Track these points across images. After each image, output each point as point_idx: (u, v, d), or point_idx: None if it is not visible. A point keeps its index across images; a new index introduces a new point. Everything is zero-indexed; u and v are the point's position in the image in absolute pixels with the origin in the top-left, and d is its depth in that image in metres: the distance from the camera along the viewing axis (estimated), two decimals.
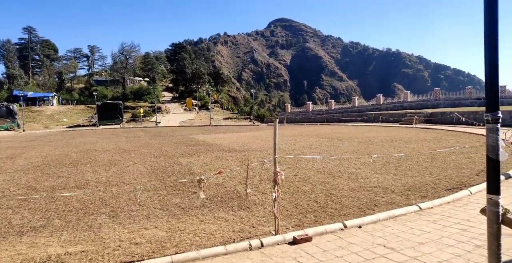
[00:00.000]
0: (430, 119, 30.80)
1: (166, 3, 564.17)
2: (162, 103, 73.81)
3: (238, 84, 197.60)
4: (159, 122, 52.80)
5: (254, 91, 77.41)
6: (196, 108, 70.24)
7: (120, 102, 58.91)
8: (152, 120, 56.48)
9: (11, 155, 16.30)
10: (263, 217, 5.74)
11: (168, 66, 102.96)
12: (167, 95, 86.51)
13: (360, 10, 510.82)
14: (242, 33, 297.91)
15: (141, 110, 58.73)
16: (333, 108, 51.59)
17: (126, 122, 55.54)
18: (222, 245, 4.48)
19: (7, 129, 46.00)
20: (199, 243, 4.66)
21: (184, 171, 10.39)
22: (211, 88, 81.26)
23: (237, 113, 70.94)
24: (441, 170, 9.33)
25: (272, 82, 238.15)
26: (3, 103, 52.99)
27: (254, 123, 53.37)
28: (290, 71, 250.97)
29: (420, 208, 5.97)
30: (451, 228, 5.06)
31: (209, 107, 63.78)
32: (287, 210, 6.05)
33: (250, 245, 4.39)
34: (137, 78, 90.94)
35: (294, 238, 4.61)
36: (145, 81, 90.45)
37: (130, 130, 39.81)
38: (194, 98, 73.84)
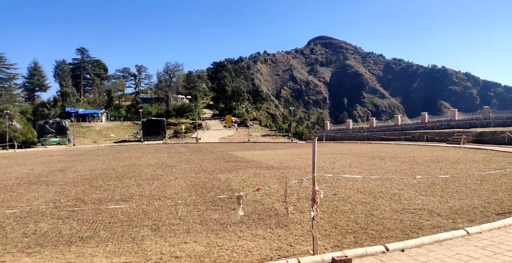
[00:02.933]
0: (479, 139, 29.07)
1: (209, 24, 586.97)
2: (203, 120, 75.80)
3: (276, 102, 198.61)
4: (200, 138, 54.08)
5: (293, 108, 77.55)
6: (235, 125, 71.34)
7: (164, 119, 61.19)
8: (193, 136, 58.00)
9: (62, 168, 17.38)
10: (301, 236, 5.67)
11: (209, 84, 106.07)
12: (208, 112, 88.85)
13: (402, 26, 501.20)
14: (282, 51, 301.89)
15: (183, 127, 60.62)
16: (374, 126, 50.28)
17: (168, 138, 57.44)
18: (259, 262, 4.48)
19: (58, 144, 49.17)
20: (236, 259, 4.70)
21: (223, 187, 10.54)
22: (250, 105, 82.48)
23: (275, 130, 71.11)
24: (491, 193, 8.76)
25: (311, 100, 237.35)
26: (56, 119, 56.87)
27: (292, 140, 53.18)
28: (329, 89, 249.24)
29: (468, 233, 5.63)
30: (503, 255, 4.72)
31: (247, 124, 64.56)
32: (325, 230, 5.94)
33: None
34: (180, 96, 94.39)
35: (333, 259, 4.51)
36: (187, 98, 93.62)
37: (172, 146, 41.11)
38: (234, 115, 75.19)
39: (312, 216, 4.86)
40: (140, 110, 64.79)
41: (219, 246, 5.27)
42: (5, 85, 78.22)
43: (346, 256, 4.57)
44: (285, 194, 5.50)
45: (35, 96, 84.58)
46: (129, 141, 55.19)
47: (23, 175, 14.71)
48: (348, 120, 62.68)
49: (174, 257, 4.83)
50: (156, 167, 16.43)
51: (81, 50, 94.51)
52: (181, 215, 6.95)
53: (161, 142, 52.55)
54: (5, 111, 52.86)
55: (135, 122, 70.28)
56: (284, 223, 6.43)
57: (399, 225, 6.25)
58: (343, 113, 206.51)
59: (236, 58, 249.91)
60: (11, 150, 40.48)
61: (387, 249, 4.94)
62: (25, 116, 65.66)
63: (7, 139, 43.90)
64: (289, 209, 5.51)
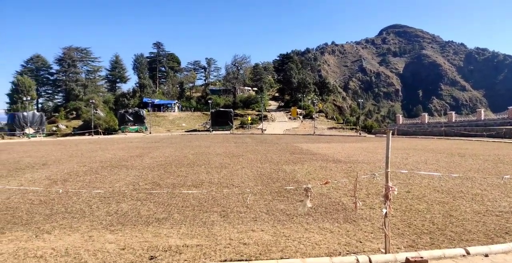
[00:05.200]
0: None
1: (276, 16, 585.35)
2: (268, 111, 76.41)
3: (344, 94, 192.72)
4: (265, 130, 54.67)
5: (362, 100, 74.56)
6: (301, 117, 70.76)
7: (231, 110, 62.88)
8: (258, 127, 58.84)
9: (140, 154, 18.77)
10: (371, 233, 5.44)
11: (275, 76, 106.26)
12: (273, 104, 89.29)
13: (486, 12, 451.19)
14: (351, 41, 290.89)
15: (249, 118, 61.76)
16: (453, 120, 46.38)
17: (235, 128, 58.99)
18: (327, 256, 4.39)
19: (136, 131, 53.17)
20: (303, 251, 4.66)
21: (288, 178, 10.53)
22: (316, 97, 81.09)
23: (342, 123, 69.13)
24: None
25: (382, 92, 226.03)
26: (135, 108, 61.46)
27: (360, 134, 51.30)
28: (402, 80, 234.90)
29: None
30: None
31: (313, 116, 63.64)
32: (398, 229, 5.63)
33: (357, 260, 4.21)
34: (246, 88, 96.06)
35: (407, 259, 4.25)
36: (253, 90, 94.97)
37: (238, 136, 42.15)
38: (299, 107, 74.60)
39: (384, 213, 4.62)
40: (209, 101, 67.38)
41: (285, 236, 5.27)
42: (91, 77, 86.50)
43: (421, 257, 4.28)
44: (354, 188, 5.30)
45: (117, 87, 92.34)
46: (199, 130, 57.72)
47: (106, 159, 16.18)
48: (423, 113, 58.51)
49: (242, 243, 4.94)
50: (224, 156, 16.96)
51: (157, 44, 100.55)
52: (248, 204, 7.09)
53: (228, 132, 54.17)
54: (91, 101, 58.60)
55: (205, 112, 73.20)
56: (352, 218, 6.22)
57: (482, 228, 5.69)
58: (417, 106, 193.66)
59: (302, 50, 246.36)
60: (96, 136, 44.78)
61: (468, 253, 4.53)
62: (108, 105, 72.10)
63: (93, 126, 48.60)
64: (359, 204, 5.31)
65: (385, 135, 5.00)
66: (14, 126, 46.14)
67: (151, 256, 4.51)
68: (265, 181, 10.07)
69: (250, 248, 4.77)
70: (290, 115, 72.29)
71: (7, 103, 69.61)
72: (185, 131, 56.51)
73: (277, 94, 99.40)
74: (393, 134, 42.89)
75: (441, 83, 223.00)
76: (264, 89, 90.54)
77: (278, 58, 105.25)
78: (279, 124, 64.13)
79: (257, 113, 70.58)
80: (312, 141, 30.81)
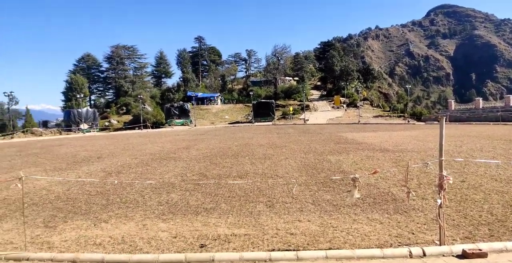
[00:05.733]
0: None
1: (315, 2, 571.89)
2: (310, 101, 75.33)
3: (390, 80, 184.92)
4: (307, 120, 54.06)
5: (409, 86, 71.01)
6: (344, 105, 69.06)
7: (272, 101, 62.78)
8: (300, 117, 58.31)
9: (186, 146, 19.36)
10: (424, 224, 5.22)
11: (316, 64, 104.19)
12: (315, 93, 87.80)
13: None
14: (396, 25, 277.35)
15: (291, 108, 61.32)
16: (511, 104, 42.97)
17: (277, 119, 58.91)
18: (378, 248, 4.28)
19: (182, 124, 54.81)
20: (352, 242, 4.58)
21: (334, 168, 10.35)
22: (360, 85, 78.43)
23: (389, 111, 66.49)
24: None
25: (431, 76, 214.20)
26: (180, 102, 63.32)
27: (409, 121, 49.12)
28: (453, 63, 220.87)
29: None
30: None
31: (357, 105, 61.85)
32: (453, 220, 5.35)
33: (410, 252, 4.06)
34: (287, 78, 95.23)
35: (464, 251, 4.04)
36: (294, 80, 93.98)
37: (280, 127, 42.09)
38: (342, 96, 72.75)
39: (439, 203, 4.41)
40: (250, 93, 67.65)
41: (333, 227, 5.21)
42: (138, 73, 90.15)
43: (480, 249, 4.05)
44: (406, 178, 5.09)
45: (162, 82, 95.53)
46: (241, 122, 58.35)
47: (155, 152, 16.88)
48: (477, 98, 54.69)
49: (289, 233, 4.96)
50: (267, 147, 17.03)
51: (199, 39, 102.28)
52: (294, 194, 7.07)
53: (270, 123, 54.26)
54: (139, 96, 61.21)
55: (246, 104, 73.71)
56: (403, 209, 6.00)
57: None
58: (471, 90, 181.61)
59: (344, 36, 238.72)
60: (145, 130, 46.81)
61: None
62: (154, 100, 74.88)
63: (141, 120, 50.81)
64: (412, 194, 5.10)
65: (436, 122, 4.74)
66: (70, 122, 49.47)
67: (202, 244, 4.66)
68: (310, 171, 9.98)
69: (297, 238, 4.77)
70: (333, 104, 70.78)
71: (62, 100, 74.74)
72: (228, 123, 57.39)
73: (319, 83, 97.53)
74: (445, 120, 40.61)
75: (496, 65, 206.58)
76: (306, 78, 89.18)
77: (319, 46, 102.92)
78: (322, 113, 63.09)
79: (299, 103, 69.89)
80: (357, 130, 30.01)
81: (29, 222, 5.79)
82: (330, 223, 5.36)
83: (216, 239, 4.82)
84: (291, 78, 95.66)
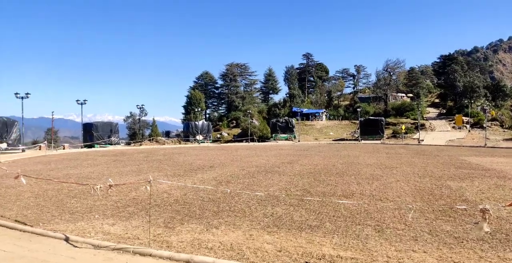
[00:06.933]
0: None
1: (433, 14, 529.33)
2: (426, 119, 69.06)
3: None
4: (422, 140, 49.57)
5: None
6: (467, 126, 61.40)
7: (382, 118, 59.43)
8: (414, 137, 53.84)
9: (290, 161, 19.56)
10: None
11: (434, 80, 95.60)
12: (432, 111, 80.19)
13: None
14: None
15: (403, 127, 57.08)
16: None
17: (386, 138, 55.47)
18: None
19: (286, 139, 55.70)
20: None
21: (454, 196, 9.22)
22: (488, 103, 69.03)
23: None
24: None
25: None
26: (285, 118, 64.62)
27: None
28: None
29: None
30: None
31: (484, 125, 54.34)
32: None
33: None
34: (400, 94, 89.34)
35: None
36: (408, 96, 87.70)
37: (390, 146, 39.46)
38: (465, 115, 64.83)
39: None
40: (357, 109, 65.37)
41: (454, 262, 4.61)
42: (248, 89, 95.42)
43: None
44: None
45: (269, 98, 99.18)
46: (347, 139, 56.58)
47: (260, 164, 17.47)
48: None
49: None
50: (375, 167, 16.11)
51: (307, 55, 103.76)
52: (406, 221, 6.50)
53: (378, 142, 51.35)
54: (248, 111, 64.62)
55: (353, 121, 71.36)
56: None
57: None
58: None
59: (469, 49, 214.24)
60: (251, 143, 48.96)
61: None
62: (261, 114, 78.11)
63: (249, 134, 53.33)
64: None
65: None
66: (188, 133, 54.69)
67: (306, 262, 4.59)
68: (425, 197, 9.08)
69: None
70: (454, 123, 63.50)
71: (182, 113, 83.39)
72: (333, 140, 56.21)
73: (437, 100, 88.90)
74: None
75: None
76: (421, 95, 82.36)
77: (438, 60, 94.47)
78: (440, 134, 57.16)
79: (412, 121, 64.71)
80: (483, 154, 26.29)
81: (152, 221, 6.51)
82: (451, 258, 4.75)
83: (321, 259, 4.70)
84: (403, 95, 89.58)
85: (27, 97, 33.59)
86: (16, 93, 33.32)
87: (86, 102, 42.76)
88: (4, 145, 27.48)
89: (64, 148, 34.68)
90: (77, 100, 42.36)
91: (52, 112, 37.27)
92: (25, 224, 6.50)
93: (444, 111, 76.88)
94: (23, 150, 30.01)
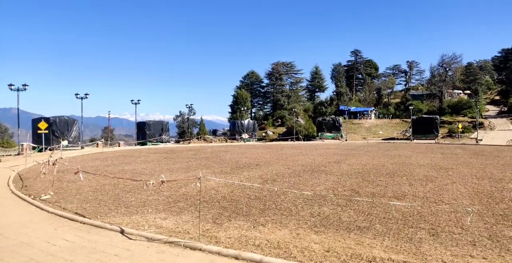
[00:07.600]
0: None
1: (496, 7, 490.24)
2: (485, 118, 64.36)
3: None
4: (481, 139, 46.27)
5: None
6: None
7: (436, 116, 56.26)
8: (471, 136, 50.44)
9: (337, 160, 19.18)
10: None
11: (495, 76, 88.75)
12: (492, 109, 74.50)
13: None
14: None
15: (459, 126, 53.60)
16: None
17: (441, 137, 52.46)
18: None
19: (333, 138, 54.60)
20: None
21: None
22: None
23: None
24: None
25: None
26: (331, 116, 63.38)
27: None
28: None
29: None
30: None
31: None
32: None
33: None
34: (456, 91, 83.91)
35: None
36: (465, 93, 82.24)
37: (445, 146, 37.28)
38: None
39: None
40: (409, 107, 62.35)
41: None
42: (293, 88, 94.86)
43: None
44: None
45: (315, 96, 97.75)
46: (397, 138, 54.29)
47: (306, 163, 17.31)
48: None
49: None
50: (429, 168, 15.32)
51: (355, 52, 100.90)
52: (464, 224, 6.13)
53: (432, 141, 48.71)
54: (293, 110, 64.25)
55: (404, 119, 68.34)
56: None
57: None
58: None
59: None
60: (297, 142, 48.63)
61: None
62: (307, 113, 77.31)
63: (294, 133, 53.02)
64: None
65: None
66: (234, 131, 55.56)
67: None
68: (484, 200, 8.49)
69: None
70: None
71: (229, 112, 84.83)
72: (382, 139, 54.21)
73: (497, 97, 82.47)
74: None
75: None
76: (480, 91, 76.91)
77: (499, 54, 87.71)
78: (501, 133, 52.99)
79: (470, 120, 60.65)
80: None
81: (201, 217, 6.71)
82: None
83: (371, 261, 4.58)
84: (460, 92, 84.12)
85: (86, 97, 35.97)
86: (76, 94, 35.80)
87: (139, 102, 45.01)
88: (65, 143, 29.67)
89: (119, 146, 36.78)
90: (132, 100, 44.73)
91: (109, 111, 39.84)
92: (84, 217, 7.00)
93: (505, 109, 71.15)
94: (82, 147, 32.30)
